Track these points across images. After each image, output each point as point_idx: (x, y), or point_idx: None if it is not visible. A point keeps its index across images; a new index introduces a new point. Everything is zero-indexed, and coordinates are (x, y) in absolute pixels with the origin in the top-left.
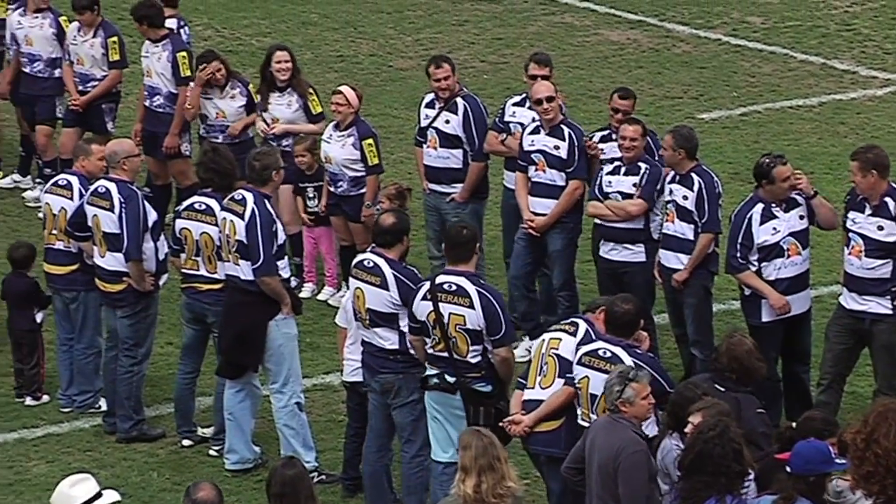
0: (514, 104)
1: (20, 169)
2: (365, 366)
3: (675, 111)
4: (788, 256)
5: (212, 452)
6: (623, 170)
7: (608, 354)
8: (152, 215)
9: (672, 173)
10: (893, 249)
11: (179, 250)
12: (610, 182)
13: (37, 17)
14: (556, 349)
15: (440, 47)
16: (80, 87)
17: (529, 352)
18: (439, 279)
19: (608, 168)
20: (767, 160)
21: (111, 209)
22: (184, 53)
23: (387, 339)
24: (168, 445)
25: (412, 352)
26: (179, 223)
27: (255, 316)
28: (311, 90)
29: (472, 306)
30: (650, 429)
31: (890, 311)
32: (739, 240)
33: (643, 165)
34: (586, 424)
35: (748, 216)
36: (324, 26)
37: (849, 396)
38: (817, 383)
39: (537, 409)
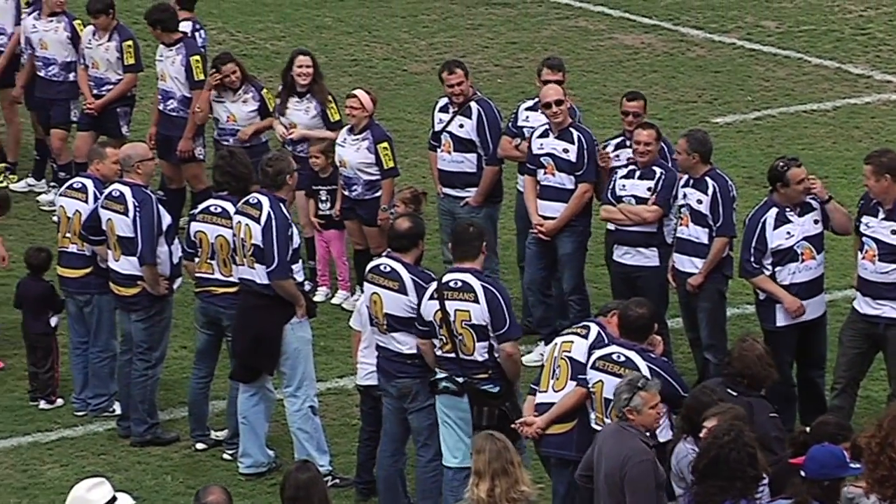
0: (527, 108)
1: (35, 173)
2: (381, 370)
3: (689, 115)
4: (803, 261)
5: (226, 456)
6: (638, 174)
7: (622, 359)
8: (166, 219)
9: (686, 177)
10: None
11: (193, 254)
12: (624, 186)
13: (52, 21)
14: (569, 352)
15: (454, 51)
16: (95, 91)
17: (543, 356)
18: (446, 277)
19: (622, 172)
20: (782, 163)
21: (125, 213)
22: (197, 57)
23: (405, 344)
24: (182, 449)
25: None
26: (195, 226)
27: (270, 319)
28: (330, 97)
29: (476, 300)
30: (664, 433)
31: None
32: (753, 244)
33: (658, 170)
34: (599, 428)
35: (762, 220)
36: (338, 30)
37: (863, 401)
38: (831, 388)
39: (549, 411)
